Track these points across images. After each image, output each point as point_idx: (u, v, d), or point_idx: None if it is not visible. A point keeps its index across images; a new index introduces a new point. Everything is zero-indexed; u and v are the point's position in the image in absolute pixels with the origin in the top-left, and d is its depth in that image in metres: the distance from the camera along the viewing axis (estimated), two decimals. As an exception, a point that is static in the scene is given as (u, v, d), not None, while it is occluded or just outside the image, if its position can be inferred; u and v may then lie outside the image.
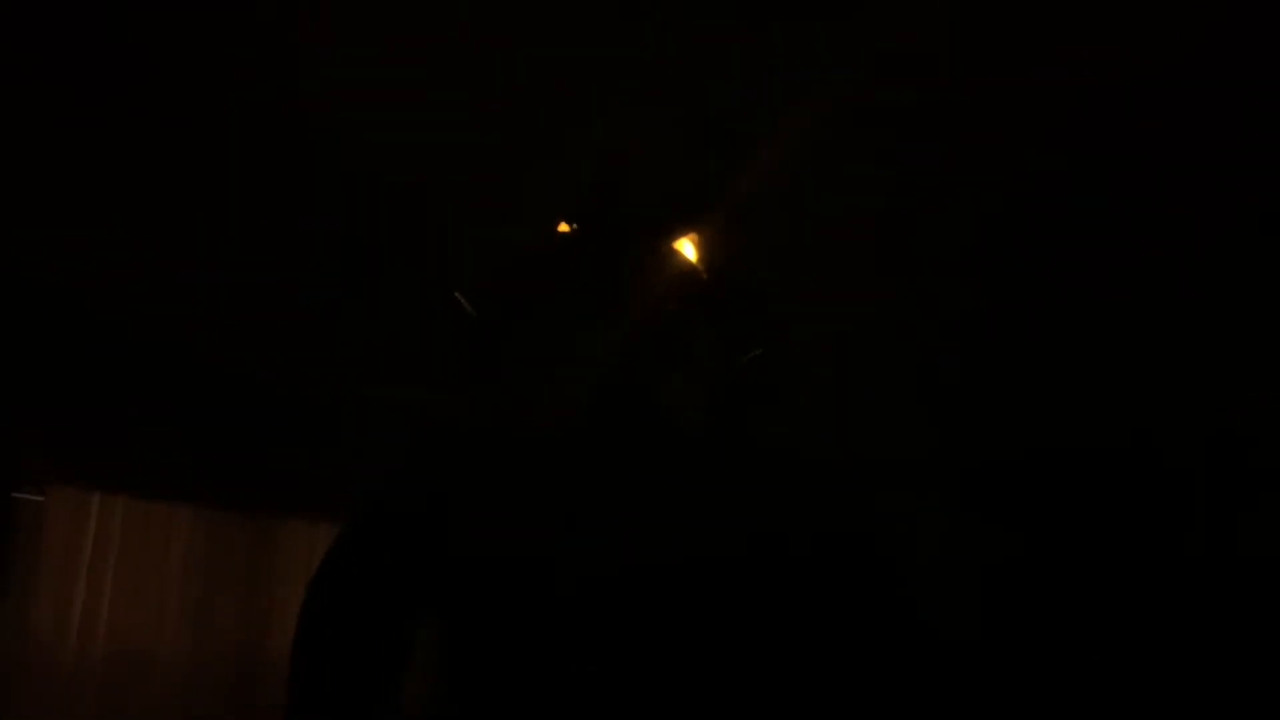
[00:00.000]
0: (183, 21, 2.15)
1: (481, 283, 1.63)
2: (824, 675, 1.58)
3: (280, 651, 3.01)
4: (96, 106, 2.34)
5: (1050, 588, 2.79)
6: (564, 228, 1.65)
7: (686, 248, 1.58)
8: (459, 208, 2.59)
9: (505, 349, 1.65)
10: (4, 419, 3.08)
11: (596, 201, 1.63)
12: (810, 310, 1.97)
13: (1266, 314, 2.55)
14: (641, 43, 2.17)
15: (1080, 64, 2.12)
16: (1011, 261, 2.67)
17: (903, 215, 2.52)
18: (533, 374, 1.60)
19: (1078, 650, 2.69)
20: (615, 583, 1.48)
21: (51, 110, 2.36)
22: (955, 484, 2.98)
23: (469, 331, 1.68)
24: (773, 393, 1.62)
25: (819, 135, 2.15)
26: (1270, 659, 2.50)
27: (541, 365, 1.59)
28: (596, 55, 2.19)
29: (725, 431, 1.57)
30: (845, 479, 1.73)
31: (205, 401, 3.45)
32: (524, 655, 1.48)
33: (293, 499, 3.60)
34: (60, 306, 2.99)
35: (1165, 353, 2.68)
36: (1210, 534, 2.69)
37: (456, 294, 1.65)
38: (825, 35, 2.10)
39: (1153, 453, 2.80)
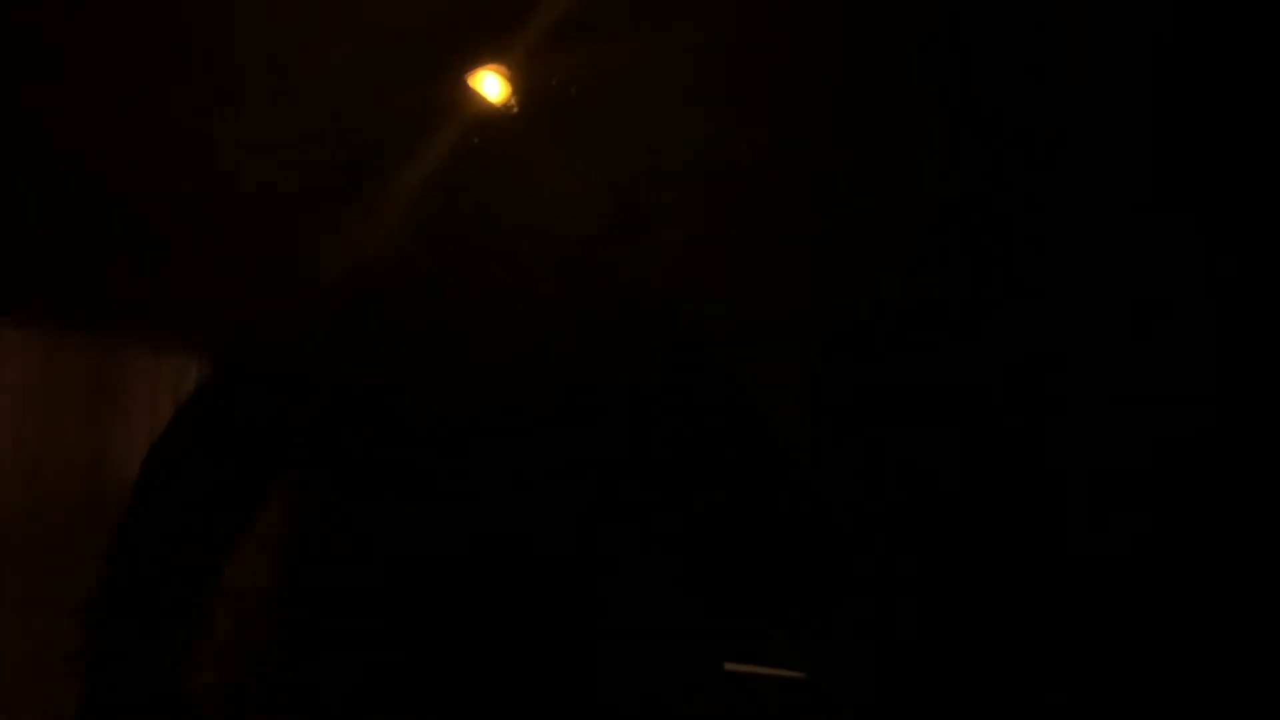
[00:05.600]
0: None
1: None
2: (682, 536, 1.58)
3: (120, 486, 2.91)
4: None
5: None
6: None
7: (490, 79, 1.49)
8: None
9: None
10: None
11: None
12: (680, 145, 1.89)
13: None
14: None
15: None
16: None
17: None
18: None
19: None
20: (475, 436, 1.44)
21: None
22: (828, 344, 2.91)
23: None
24: (637, 229, 1.57)
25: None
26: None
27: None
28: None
29: (584, 269, 1.52)
30: (711, 330, 1.69)
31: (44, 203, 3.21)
32: (389, 519, 1.45)
33: (136, 330, 3.43)
34: None
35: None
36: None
37: None
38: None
39: None
